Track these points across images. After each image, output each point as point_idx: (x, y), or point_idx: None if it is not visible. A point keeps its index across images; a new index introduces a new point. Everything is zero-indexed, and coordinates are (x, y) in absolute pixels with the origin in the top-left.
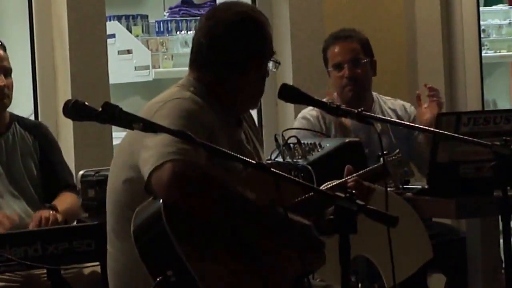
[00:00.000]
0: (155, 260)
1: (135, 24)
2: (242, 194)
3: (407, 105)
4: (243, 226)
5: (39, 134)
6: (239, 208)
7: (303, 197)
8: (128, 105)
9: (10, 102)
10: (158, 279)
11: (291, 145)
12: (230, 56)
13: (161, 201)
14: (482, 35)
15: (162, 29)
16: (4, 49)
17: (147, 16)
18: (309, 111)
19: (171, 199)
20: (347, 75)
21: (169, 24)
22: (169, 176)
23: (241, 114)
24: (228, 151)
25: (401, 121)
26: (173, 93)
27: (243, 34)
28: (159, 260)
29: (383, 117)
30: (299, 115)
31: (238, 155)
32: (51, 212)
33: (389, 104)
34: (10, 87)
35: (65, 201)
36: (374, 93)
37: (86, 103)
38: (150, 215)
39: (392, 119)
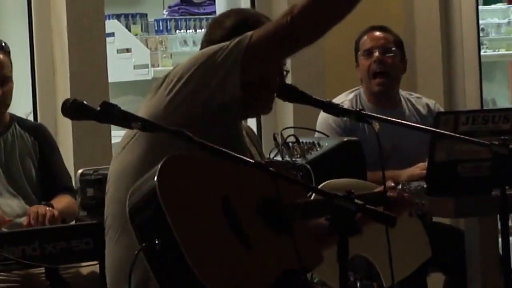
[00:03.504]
0: (150, 238)
1: (134, 23)
2: None
3: (431, 103)
4: None
5: (39, 135)
6: None
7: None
8: (127, 104)
9: (8, 107)
10: (143, 245)
11: (290, 144)
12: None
13: (155, 178)
14: (481, 34)
15: (161, 28)
16: (7, 53)
17: (146, 15)
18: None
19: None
20: (376, 59)
21: (168, 23)
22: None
23: (251, 117)
24: (227, 150)
25: (402, 121)
26: None
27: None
28: (152, 237)
29: (385, 117)
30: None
31: (238, 154)
32: (47, 208)
33: (414, 103)
34: (8, 94)
35: (62, 202)
36: (400, 91)
37: (85, 102)
38: (145, 193)
39: (391, 119)
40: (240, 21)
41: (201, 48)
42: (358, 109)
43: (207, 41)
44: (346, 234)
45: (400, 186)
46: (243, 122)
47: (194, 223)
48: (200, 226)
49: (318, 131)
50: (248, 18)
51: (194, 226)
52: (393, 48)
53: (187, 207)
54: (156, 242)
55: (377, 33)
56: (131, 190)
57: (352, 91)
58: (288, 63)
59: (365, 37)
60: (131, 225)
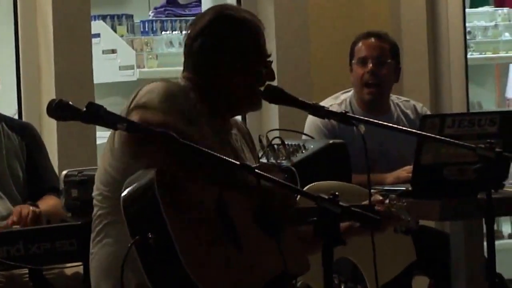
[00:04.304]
0: (142, 229)
1: (120, 24)
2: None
3: (419, 106)
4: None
5: (26, 135)
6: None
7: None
8: (112, 105)
9: None
10: (136, 237)
11: (275, 146)
12: (207, 56)
13: (153, 171)
14: (467, 37)
15: (147, 29)
16: None
17: (132, 16)
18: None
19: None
20: (370, 70)
21: (154, 24)
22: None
23: (231, 116)
24: (210, 151)
25: (388, 124)
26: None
27: (217, 33)
28: (145, 229)
29: (372, 120)
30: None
31: (221, 155)
32: (31, 207)
33: (402, 107)
34: None
35: (48, 202)
36: (390, 96)
37: (70, 103)
38: (141, 184)
39: (377, 121)
40: (215, 16)
41: (185, 45)
42: (344, 111)
43: (188, 37)
44: (331, 239)
45: (387, 201)
46: (239, 122)
47: (189, 222)
48: (194, 225)
49: (304, 133)
50: (225, 13)
51: (189, 224)
52: (388, 60)
53: (184, 203)
54: (150, 236)
55: (373, 41)
56: (127, 181)
57: (342, 93)
58: (274, 64)
59: (360, 43)
60: (124, 214)
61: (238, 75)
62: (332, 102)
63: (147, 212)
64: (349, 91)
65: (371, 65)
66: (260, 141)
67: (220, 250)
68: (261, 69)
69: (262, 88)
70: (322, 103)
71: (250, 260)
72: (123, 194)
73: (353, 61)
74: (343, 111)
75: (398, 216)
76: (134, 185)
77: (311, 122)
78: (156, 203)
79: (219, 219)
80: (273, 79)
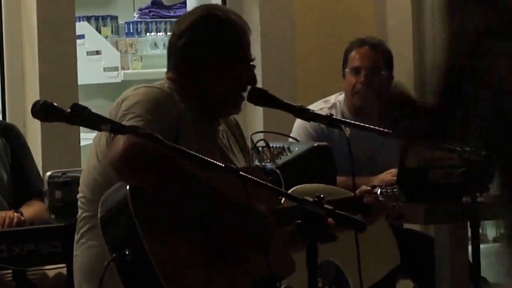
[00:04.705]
0: (121, 248)
1: (104, 25)
2: (196, 173)
3: None
4: (199, 205)
5: (10, 137)
6: (194, 187)
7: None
8: (97, 106)
9: None
10: (114, 255)
11: (260, 148)
12: (192, 55)
13: (127, 187)
14: None
15: (131, 30)
16: None
17: (116, 17)
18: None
19: (123, 172)
20: (362, 81)
21: (138, 25)
22: (123, 146)
23: (219, 117)
24: (195, 153)
25: (373, 127)
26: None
27: (203, 32)
28: (123, 246)
29: (357, 123)
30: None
31: (206, 157)
32: (16, 214)
33: None
34: None
35: (32, 208)
36: None
37: (55, 104)
38: (116, 202)
39: (363, 124)
40: (202, 15)
41: (169, 43)
42: (330, 114)
43: (173, 35)
44: (320, 240)
45: (377, 190)
46: (233, 118)
47: (167, 234)
48: (172, 237)
49: (288, 136)
50: (212, 14)
51: (167, 237)
52: (382, 72)
53: (159, 217)
54: (127, 252)
55: (367, 51)
56: (103, 197)
57: (334, 97)
58: (258, 67)
59: (354, 52)
60: (102, 234)
61: (219, 77)
62: (322, 106)
63: (123, 230)
64: (341, 94)
65: (363, 76)
66: None
67: (200, 261)
68: (243, 73)
69: (245, 93)
70: (312, 106)
71: (232, 266)
72: (99, 214)
73: (346, 69)
74: (329, 114)
75: (386, 205)
76: (110, 202)
77: (299, 124)
78: (131, 220)
79: (200, 228)
80: (254, 84)
